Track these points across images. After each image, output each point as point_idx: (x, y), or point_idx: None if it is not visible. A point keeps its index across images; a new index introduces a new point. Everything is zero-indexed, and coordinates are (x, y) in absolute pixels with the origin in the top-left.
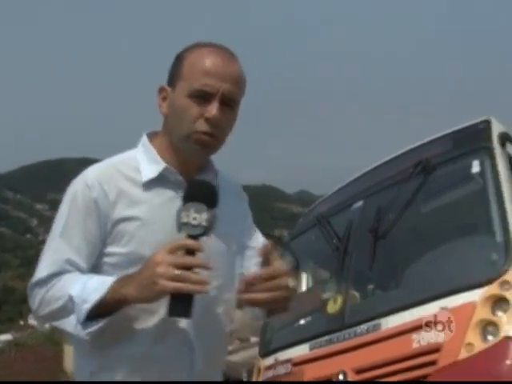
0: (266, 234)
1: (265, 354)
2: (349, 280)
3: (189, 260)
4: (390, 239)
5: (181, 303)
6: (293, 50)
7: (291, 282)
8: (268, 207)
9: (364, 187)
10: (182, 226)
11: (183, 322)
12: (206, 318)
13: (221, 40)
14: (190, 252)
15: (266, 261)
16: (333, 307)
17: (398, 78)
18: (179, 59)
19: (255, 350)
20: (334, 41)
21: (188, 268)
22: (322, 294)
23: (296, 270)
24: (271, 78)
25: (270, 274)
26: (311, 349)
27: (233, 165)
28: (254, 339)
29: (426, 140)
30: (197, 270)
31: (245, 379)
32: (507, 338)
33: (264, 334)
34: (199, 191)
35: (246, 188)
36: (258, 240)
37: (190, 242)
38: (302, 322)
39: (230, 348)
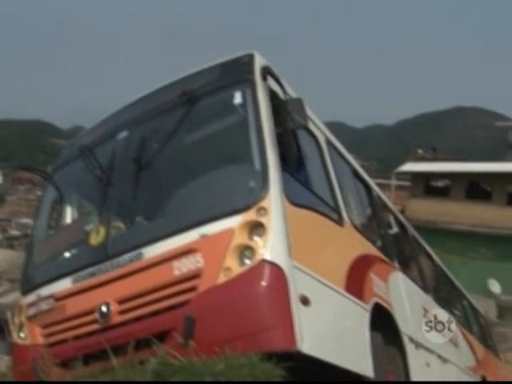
0: (33, 169)
1: (26, 290)
2: (112, 211)
3: None
4: (153, 169)
5: None
6: None
7: None
8: (41, 143)
9: (129, 118)
10: None
11: None
12: None
13: None
14: None
15: None
16: (95, 239)
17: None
18: None
19: None
20: None
21: None
22: (84, 226)
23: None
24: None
25: None
26: (74, 282)
27: (6, 100)
28: None
29: (191, 72)
30: None
31: (9, 320)
32: (262, 261)
33: (25, 269)
34: None
35: (18, 123)
36: None
37: None
38: (65, 255)
39: (0, 290)
